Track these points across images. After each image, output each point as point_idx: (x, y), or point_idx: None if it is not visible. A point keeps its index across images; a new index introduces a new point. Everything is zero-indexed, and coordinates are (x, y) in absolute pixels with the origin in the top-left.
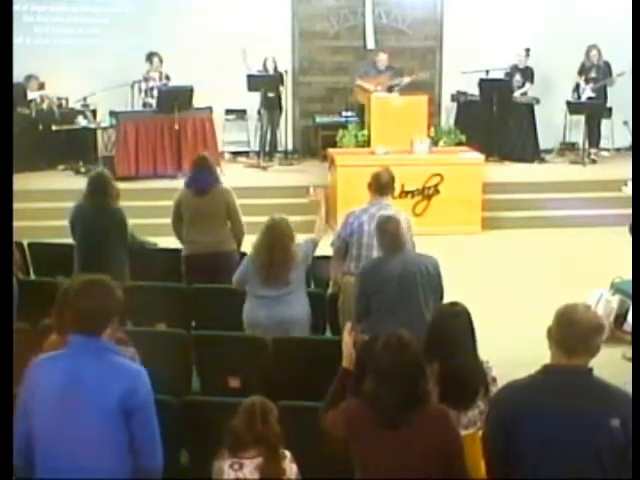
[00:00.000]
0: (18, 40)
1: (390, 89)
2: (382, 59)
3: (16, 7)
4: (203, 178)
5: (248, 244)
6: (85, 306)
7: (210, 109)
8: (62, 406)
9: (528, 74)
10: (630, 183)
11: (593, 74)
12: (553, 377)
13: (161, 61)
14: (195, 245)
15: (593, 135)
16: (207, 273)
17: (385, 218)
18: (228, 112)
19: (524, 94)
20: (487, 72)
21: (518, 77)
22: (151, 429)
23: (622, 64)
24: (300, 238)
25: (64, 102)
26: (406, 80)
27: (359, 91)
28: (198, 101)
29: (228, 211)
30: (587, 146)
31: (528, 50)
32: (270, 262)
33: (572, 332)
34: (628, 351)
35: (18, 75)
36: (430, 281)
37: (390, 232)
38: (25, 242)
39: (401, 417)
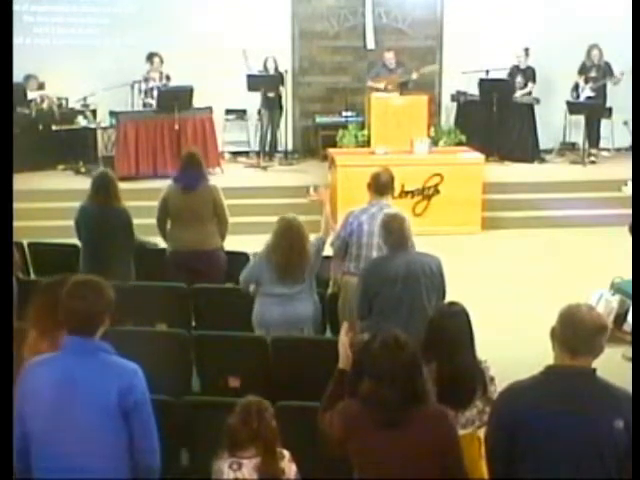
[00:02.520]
0: (18, 40)
1: (403, 86)
2: (390, 57)
3: (16, 7)
4: (191, 175)
5: (247, 244)
6: (77, 307)
7: (210, 109)
8: (59, 407)
9: (529, 74)
10: (630, 183)
11: (593, 74)
12: (556, 378)
13: (161, 61)
14: (179, 242)
15: (593, 135)
16: (191, 270)
17: (391, 216)
18: (228, 112)
19: (528, 94)
20: (487, 72)
21: (520, 78)
22: (149, 426)
23: (622, 64)
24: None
25: (64, 102)
26: (414, 76)
27: (371, 92)
28: (198, 101)
29: (215, 208)
30: (587, 146)
31: (527, 50)
32: (288, 262)
33: (576, 333)
34: (628, 351)
35: (18, 75)
36: (433, 280)
37: (396, 230)
38: (25, 242)
39: (398, 416)
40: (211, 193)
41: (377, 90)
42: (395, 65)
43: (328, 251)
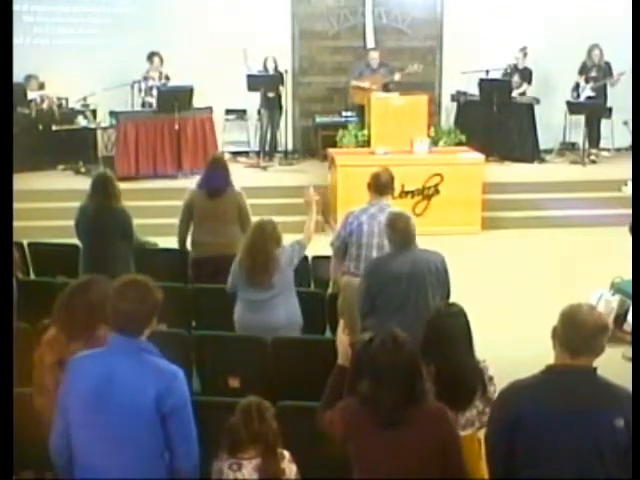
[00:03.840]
0: (18, 40)
1: (385, 87)
2: (374, 57)
3: (16, 7)
4: (218, 180)
5: None
6: (125, 307)
7: (210, 109)
8: (97, 404)
9: (526, 74)
10: (630, 183)
11: (594, 74)
12: (557, 377)
13: (161, 61)
14: (203, 247)
15: (593, 135)
16: (215, 275)
17: (396, 214)
18: (228, 112)
19: (522, 94)
20: (487, 72)
21: (516, 77)
22: (187, 430)
23: (621, 64)
24: (297, 239)
25: (64, 102)
26: (397, 77)
27: (356, 92)
28: (198, 101)
29: (240, 214)
30: (587, 146)
31: (525, 49)
32: (251, 264)
33: (577, 333)
34: (628, 351)
35: (18, 75)
36: (438, 278)
37: (401, 228)
38: (25, 242)
39: (397, 416)
40: (236, 199)
41: (363, 89)
42: (378, 65)
43: (328, 251)
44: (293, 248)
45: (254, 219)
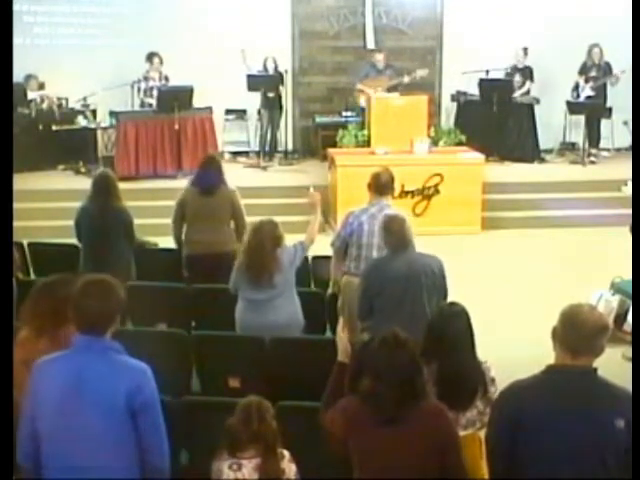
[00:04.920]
0: (18, 40)
1: (390, 90)
2: (379, 59)
3: (16, 7)
4: (210, 178)
5: None
6: (89, 306)
7: (210, 109)
8: (67, 406)
9: (527, 73)
10: (630, 183)
11: (594, 73)
12: (557, 377)
13: (161, 61)
14: (196, 245)
15: (593, 135)
16: (208, 273)
17: (391, 217)
18: (228, 112)
19: (525, 94)
20: (487, 72)
21: (518, 77)
22: (158, 426)
23: (621, 64)
24: (297, 239)
25: (64, 102)
26: (405, 80)
27: (360, 94)
28: (198, 101)
29: (233, 212)
30: (587, 146)
31: (526, 49)
32: (251, 264)
33: (577, 333)
34: (628, 351)
35: (18, 75)
36: (434, 281)
37: (396, 231)
38: (25, 242)
39: (396, 414)
40: (229, 197)
41: (366, 91)
42: (384, 66)
43: (328, 251)
44: (295, 248)
45: (254, 219)
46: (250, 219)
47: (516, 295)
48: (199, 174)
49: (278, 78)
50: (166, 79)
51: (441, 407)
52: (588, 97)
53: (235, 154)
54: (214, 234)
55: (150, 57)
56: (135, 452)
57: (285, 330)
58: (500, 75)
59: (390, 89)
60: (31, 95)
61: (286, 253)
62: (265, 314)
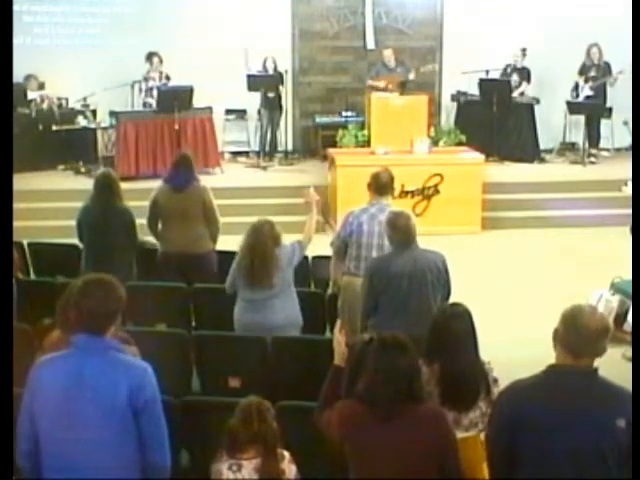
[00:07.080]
0: (18, 40)
1: (402, 85)
2: (389, 55)
3: (16, 7)
4: (182, 175)
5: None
6: (89, 305)
7: (210, 109)
8: (69, 406)
9: (525, 74)
10: (630, 183)
11: (593, 73)
12: (558, 378)
13: (161, 61)
14: (170, 242)
15: (593, 135)
16: (181, 272)
17: (396, 213)
18: (228, 112)
19: (521, 94)
20: (487, 72)
21: (515, 77)
22: (159, 425)
23: (621, 64)
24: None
25: (64, 102)
26: (412, 76)
27: (370, 92)
28: (198, 101)
29: (204, 209)
30: (587, 146)
31: (524, 50)
32: (250, 264)
33: (579, 335)
34: (628, 351)
35: (18, 75)
36: (439, 277)
37: (402, 226)
38: (25, 242)
39: (391, 412)
40: (201, 194)
41: (377, 89)
42: (395, 64)
43: (328, 251)
44: (293, 248)
45: (253, 219)
46: (250, 219)
47: (516, 295)
48: (171, 172)
49: (278, 78)
50: (167, 78)
51: (439, 410)
52: (588, 97)
53: (235, 154)
54: (187, 232)
55: (150, 57)
56: (135, 451)
57: (284, 330)
58: (498, 75)
59: (400, 85)
60: (31, 95)
61: (284, 252)
62: (264, 314)
